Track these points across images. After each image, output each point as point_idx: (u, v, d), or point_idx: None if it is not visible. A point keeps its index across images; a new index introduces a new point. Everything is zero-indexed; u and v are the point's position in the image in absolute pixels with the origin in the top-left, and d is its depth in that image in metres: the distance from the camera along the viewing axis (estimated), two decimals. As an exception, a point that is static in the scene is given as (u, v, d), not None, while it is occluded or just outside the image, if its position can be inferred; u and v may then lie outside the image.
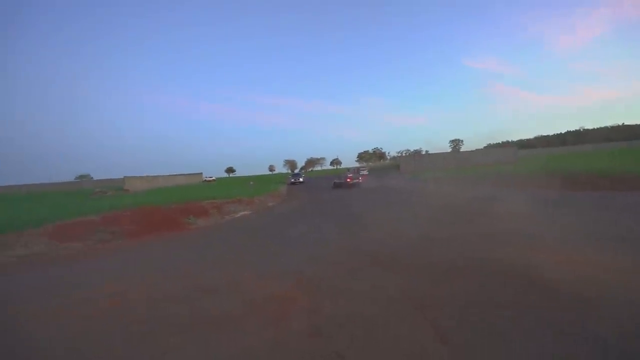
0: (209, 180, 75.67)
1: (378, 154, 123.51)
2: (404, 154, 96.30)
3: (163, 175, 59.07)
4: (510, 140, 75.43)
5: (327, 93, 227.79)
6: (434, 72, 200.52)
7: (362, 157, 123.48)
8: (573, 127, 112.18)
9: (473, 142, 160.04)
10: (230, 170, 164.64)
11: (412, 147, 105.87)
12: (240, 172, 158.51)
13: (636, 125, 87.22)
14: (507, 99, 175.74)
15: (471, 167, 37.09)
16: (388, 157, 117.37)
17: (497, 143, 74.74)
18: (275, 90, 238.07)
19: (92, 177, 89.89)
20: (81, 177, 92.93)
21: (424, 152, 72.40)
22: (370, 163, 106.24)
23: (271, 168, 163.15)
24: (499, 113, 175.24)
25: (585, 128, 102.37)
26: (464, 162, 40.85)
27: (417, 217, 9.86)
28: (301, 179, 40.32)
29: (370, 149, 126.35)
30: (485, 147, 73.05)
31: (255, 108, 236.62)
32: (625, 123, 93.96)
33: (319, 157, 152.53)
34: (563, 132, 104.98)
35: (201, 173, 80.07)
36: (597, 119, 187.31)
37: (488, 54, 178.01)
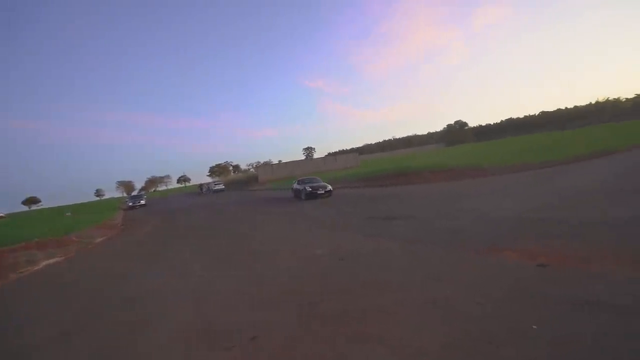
0: (-9, 219, 51.74)
1: (232, 167, 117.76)
2: (255, 165, 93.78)
3: None
4: (353, 148, 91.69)
5: (170, 106, 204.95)
6: (279, 91, 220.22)
7: (214, 171, 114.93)
8: (387, 137, 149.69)
9: (324, 148, 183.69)
10: (31, 201, 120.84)
11: (263, 159, 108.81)
12: (48, 203, 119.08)
13: (423, 135, 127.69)
14: (337, 113, 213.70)
15: (322, 172, 41.51)
16: (242, 170, 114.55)
17: (341, 150, 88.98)
18: (103, 104, 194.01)
19: None
20: None
21: (274, 163, 74.71)
22: (222, 177, 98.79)
23: (99, 193, 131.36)
24: (333, 125, 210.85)
25: (395, 137, 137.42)
26: (317, 168, 45.30)
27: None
28: (142, 201, 35.83)
29: (222, 162, 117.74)
30: (330, 154, 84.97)
31: (72, 124, 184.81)
32: (417, 133, 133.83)
33: (162, 176, 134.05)
34: (380, 140, 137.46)
35: (-26, 211, 53.88)
36: (399, 129, 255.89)
37: (318, 76, 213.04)
